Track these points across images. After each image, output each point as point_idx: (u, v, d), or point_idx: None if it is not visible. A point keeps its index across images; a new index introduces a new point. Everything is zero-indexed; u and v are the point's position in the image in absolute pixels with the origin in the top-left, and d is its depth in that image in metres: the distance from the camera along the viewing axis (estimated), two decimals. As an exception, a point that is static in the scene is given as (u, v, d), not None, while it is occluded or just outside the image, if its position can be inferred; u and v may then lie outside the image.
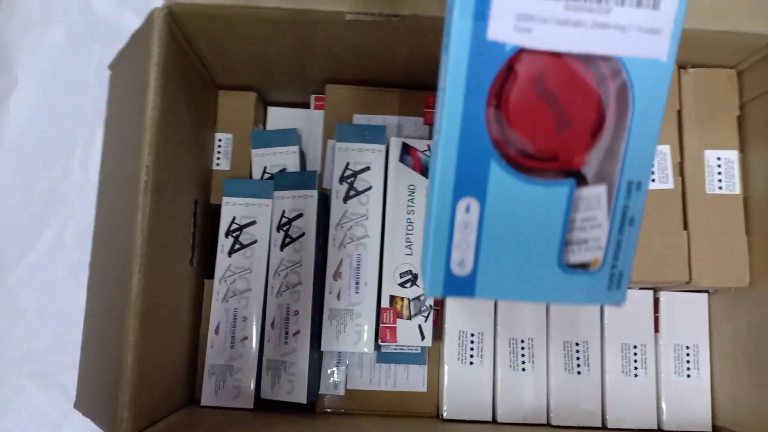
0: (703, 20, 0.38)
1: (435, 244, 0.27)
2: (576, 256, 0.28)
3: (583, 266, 0.28)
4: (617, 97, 0.27)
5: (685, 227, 0.43)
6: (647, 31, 0.25)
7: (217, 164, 0.50)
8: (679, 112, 0.44)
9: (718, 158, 0.43)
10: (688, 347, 0.46)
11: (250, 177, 0.50)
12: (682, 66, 0.44)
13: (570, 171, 0.28)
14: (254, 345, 0.45)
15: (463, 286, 0.27)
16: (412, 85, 0.49)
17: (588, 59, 0.26)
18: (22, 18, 0.62)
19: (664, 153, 0.43)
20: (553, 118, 0.26)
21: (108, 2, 0.62)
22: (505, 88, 0.26)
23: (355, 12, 0.38)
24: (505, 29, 0.25)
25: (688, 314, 0.46)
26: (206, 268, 0.48)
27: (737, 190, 0.43)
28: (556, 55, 0.26)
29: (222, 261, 0.46)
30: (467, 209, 0.26)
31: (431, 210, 0.27)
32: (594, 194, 0.27)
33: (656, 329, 0.46)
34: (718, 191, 0.43)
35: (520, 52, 0.25)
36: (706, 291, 0.47)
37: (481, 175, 0.26)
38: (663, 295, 0.46)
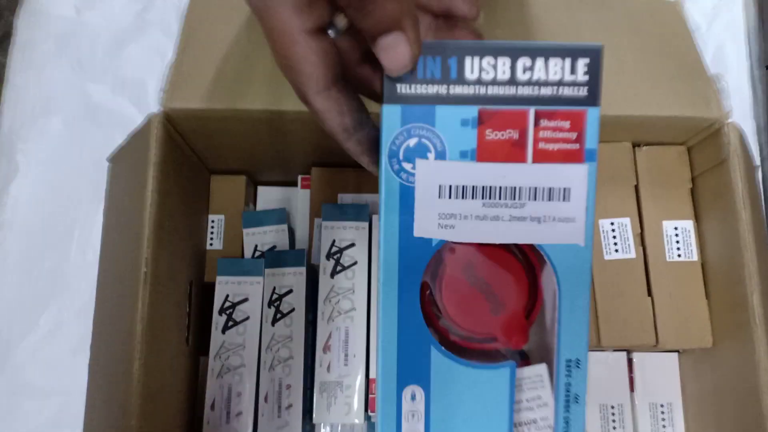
0: (651, 108, 0.43)
1: None
2: None
3: None
4: (545, 279, 0.29)
5: (649, 293, 0.46)
6: (562, 220, 0.27)
7: (211, 244, 0.53)
8: (636, 187, 0.47)
9: (675, 228, 0.47)
10: (662, 405, 0.48)
11: (242, 255, 0.53)
12: (636, 144, 0.48)
13: (510, 351, 0.29)
14: (249, 420, 0.47)
15: None
16: (392, 165, 0.53)
17: (513, 247, 0.28)
18: (24, 108, 0.65)
19: (625, 225, 0.46)
20: (486, 302, 0.28)
21: (103, 91, 0.66)
22: (437, 278, 0.28)
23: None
24: (429, 228, 0.27)
25: (661, 374, 0.49)
26: (201, 343, 0.50)
27: (695, 257, 0.46)
28: (482, 246, 0.28)
29: (216, 338, 0.48)
30: (413, 397, 0.27)
31: (378, 398, 0.28)
32: (536, 373, 0.29)
33: (632, 389, 0.49)
34: (677, 259, 0.46)
35: (447, 244, 0.27)
36: (676, 351, 0.49)
37: (422, 363, 0.27)
38: (636, 356, 0.49)
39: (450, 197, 0.27)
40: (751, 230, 0.40)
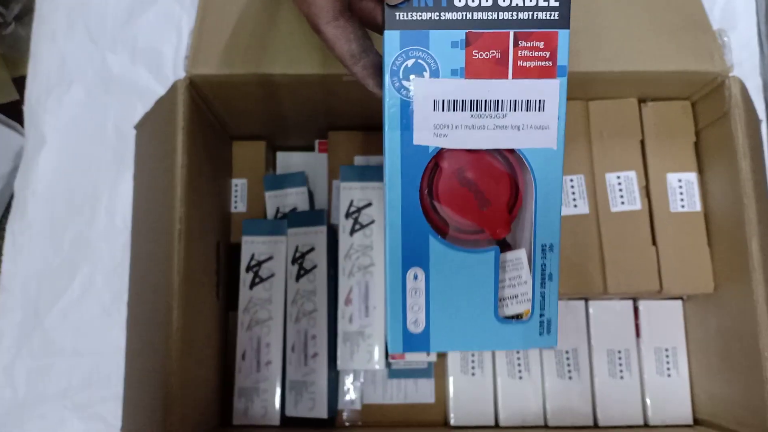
0: (656, 63, 0.44)
1: (392, 308, 0.32)
2: (509, 309, 0.34)
3: (517, 317, 0.34)
4: (524, 179, 0.33)
5: (654, 243, 0.48)
6: (538, 128, 0.31)
7: (235, 207, 0.56)
8: (642, 142, 0.49)
9: (680, 180, 0.49)
10: (667, 349, 0.51)
11: (265, 217, 0.55)
12: (642, 100, 0.50)
13: (495, 240, 0.33)
14: (278, 368, 0.50)
15: (419, 343, 0.33)
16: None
17: (496, 152, 0.33)
18: (44, 80, 0.67)
19: (631, 178, 0.48)
20: (475, 200, 0.33)
21: (122, 61, 0.67)
22: (434, 180, 0.33)
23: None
24: (426, 136, 0.31)
25: (666, 320, 0.51)
26: (230, 300, 0.53)
27: (698, 207, 0.48)
28: (471, 152, 0.32)
29: (244, 294, 0.51)
30: (415, 277, 0.32)
31: (386, 280, 0.32)
32: (516, 257, 0.34)
33: (638, 335, 0.51)
34: (681, 209, 0.48)
35: (441, 151, 0.32)
36: (680, 298, 0.52)
37: (423, 249, 0.32)
38: (642, 304, 0.52)
39: (443, 110, 0.31)
40: (751, 179, 0.42)
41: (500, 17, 0.30)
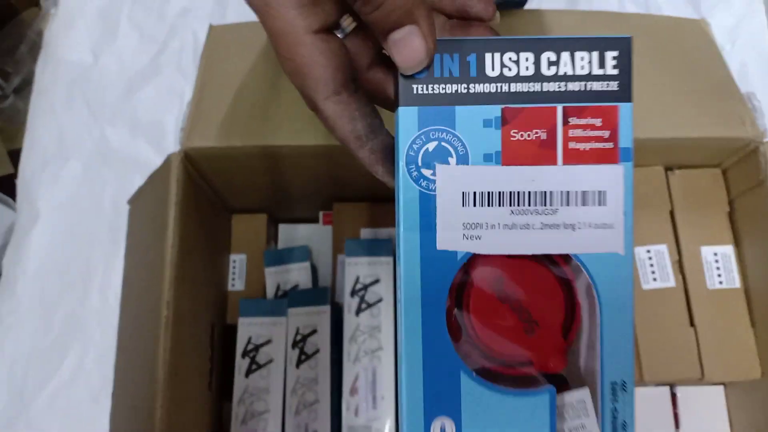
0: (684, 130, 0.41)
1: None
2: None
3: None
4: (585, 293, 0.26)
5: (692, 323, 0.44)
6: (599, 226, 0.25)
7: (233, 285, 0.52)
8: (672, 212, 0.46)
9: (715, 254, 0.45)
10: (710, 442, 0.46)
11: (264, 296, 0.52)
12: (668, 168, 0.47)
13: (547, 375, 0.26)
14: (275, 468, 0.45)
15: None
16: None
17: (545, 258, 0.26)
18: (41, 153, 0.65)
19: (662, 252, 0.45)
20: (519, 321, 0.26)
21: (121, 134, 0.66)
22: (465, 295, 0.26)
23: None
24: (453, 239, 0.25)
25: (707, 408, 0.46)
26: (225, 388, 0.49)
27: (737, 283, 0.44)
28: (512, 258, 0.26)
29: (239, 383, 0.47)
30: (442, 430, 0.25)
31: None
32: (578, 399, 0.26)
33: (676, 426, 0.46)
34: (719, 286, 0.44)
35: (474, 257, 0.25)
36: (721, 384, 0.47)
37: (452, 391, 0.25)
38: (680, 391, 0.47)
39: (475, 205, 0.25)
40: (798, 253, 0.39)
41: (544, 89, 0.25)
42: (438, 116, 0.25)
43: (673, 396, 0.47)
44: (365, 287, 0.47)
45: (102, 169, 0.64)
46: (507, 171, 0.25)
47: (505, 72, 0.25)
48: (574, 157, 0.25)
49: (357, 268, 0.48)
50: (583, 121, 0.25)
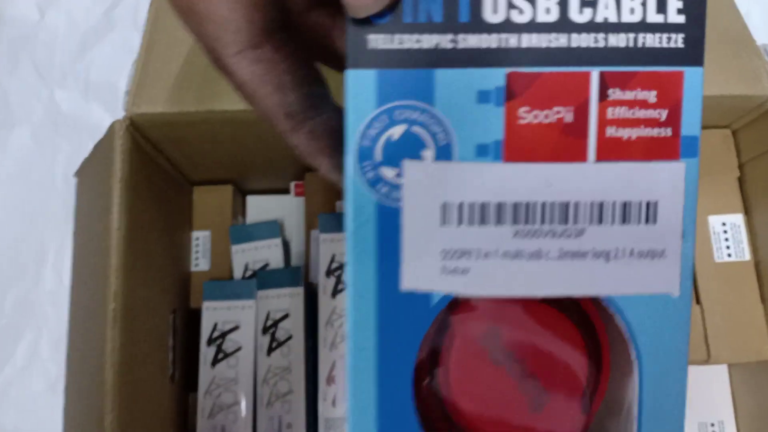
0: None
1: None
2: None
3: None
4: (617, 347, 0.19)
5: (698, 301, 0.40)
6: (645, 255, 0.17)
7: (196, 265, 0.47)
8: (677, 179, 0.42)
9: (723, 223, 0.41)
10: (713, 424, 0.43)
11: (231, 276, 0.47)
12: (673, 130, 0.42)
13: None
14: (246, 466, 0.41)
15: None
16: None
17: (561, 303, 0.18)
18: (-12, 120, 0.60)
19: (667, 224, 0.41)
20: (521, 394, 0.18)
21: (73, 97, 0.61)
22: (443, 358, 0.18)
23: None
24: (426, 275, 0.16)
25: (709, 390, 0.44)
26: (190, 378, 0.45)
27: (747, 256, 0.41)
28: (514, 302, 0.18)
29: (205, 373, 0.43)
30: None
31: None
32: None
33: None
34: (727, 259, 0.41)
35: (457, 301, 0.17)
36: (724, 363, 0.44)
37: None
38: (680, 370, 0.44)
39: (461, 223, 0.17)
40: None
41: (573, 44, 0.16)
42: (408, 85, 0.16)
43: (675, 376, 0.44)
44: (342, 267, 0.43)
45: (53, 136, 0.60)
46: (511, 171, 0.17)
47: (514, 16, 0.16)
48: (612, 150, 0.17)
49: (333, 246, 0.43)
50: (629, 95, 0.17)
